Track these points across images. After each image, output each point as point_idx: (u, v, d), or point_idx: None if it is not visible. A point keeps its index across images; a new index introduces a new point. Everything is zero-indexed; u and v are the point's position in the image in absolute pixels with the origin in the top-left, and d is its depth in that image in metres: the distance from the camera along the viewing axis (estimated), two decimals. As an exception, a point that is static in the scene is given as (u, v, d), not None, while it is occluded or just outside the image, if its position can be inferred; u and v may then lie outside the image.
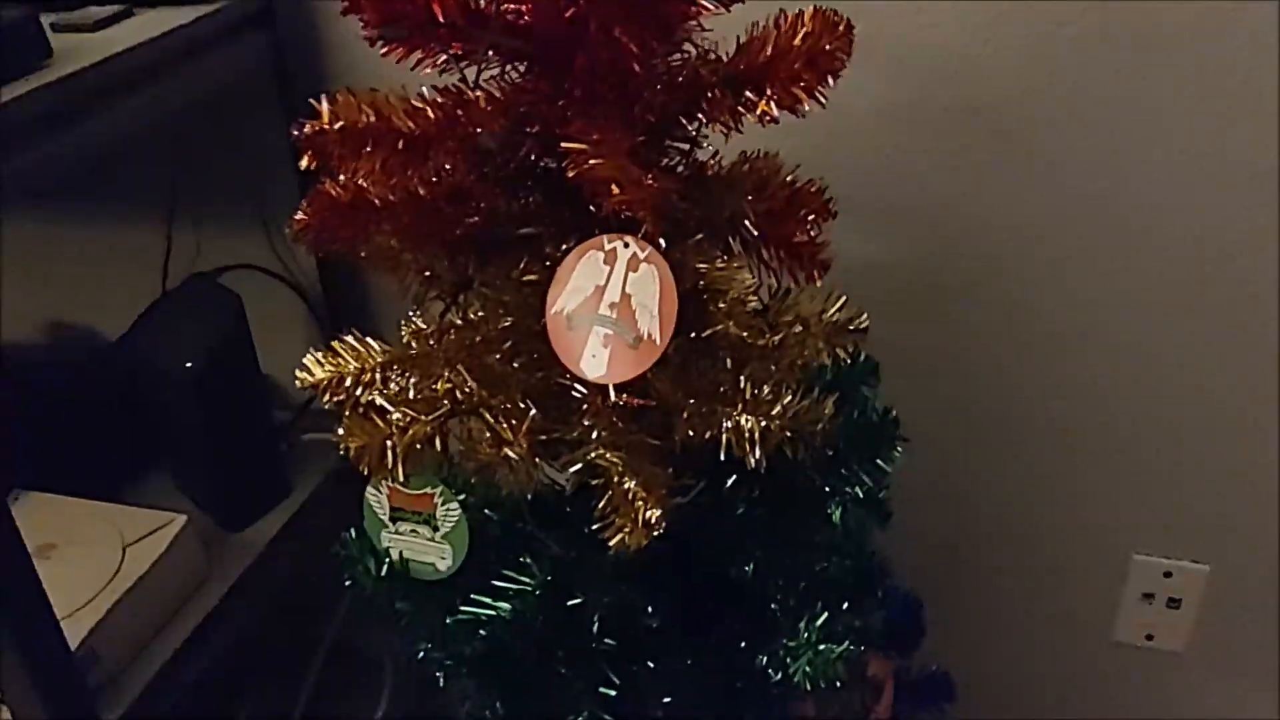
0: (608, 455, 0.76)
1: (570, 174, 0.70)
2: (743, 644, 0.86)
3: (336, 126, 0.73)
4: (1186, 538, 1.29)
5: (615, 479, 0.75)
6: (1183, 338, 1.19)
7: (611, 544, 0.75)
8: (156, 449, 1.35)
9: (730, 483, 0.87)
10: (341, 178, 0.77)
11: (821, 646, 0.83)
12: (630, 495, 0.73)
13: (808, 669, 0.83)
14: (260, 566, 1.27)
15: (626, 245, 0.70)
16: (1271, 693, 1.37)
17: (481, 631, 0.83)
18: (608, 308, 0.71)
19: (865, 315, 0.86)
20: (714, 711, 0.83)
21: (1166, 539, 1.30)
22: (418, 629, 0.87)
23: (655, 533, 0.73)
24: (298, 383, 0.85)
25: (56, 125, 0.96)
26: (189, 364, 1.20)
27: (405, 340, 0.86)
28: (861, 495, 0.93)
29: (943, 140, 1.14)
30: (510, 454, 0.78)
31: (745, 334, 0.72)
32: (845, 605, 0.84)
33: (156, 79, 1.06)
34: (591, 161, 0.69)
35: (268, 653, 1.40)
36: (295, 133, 0.75)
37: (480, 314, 0.84)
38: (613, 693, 0.81)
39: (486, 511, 0.89)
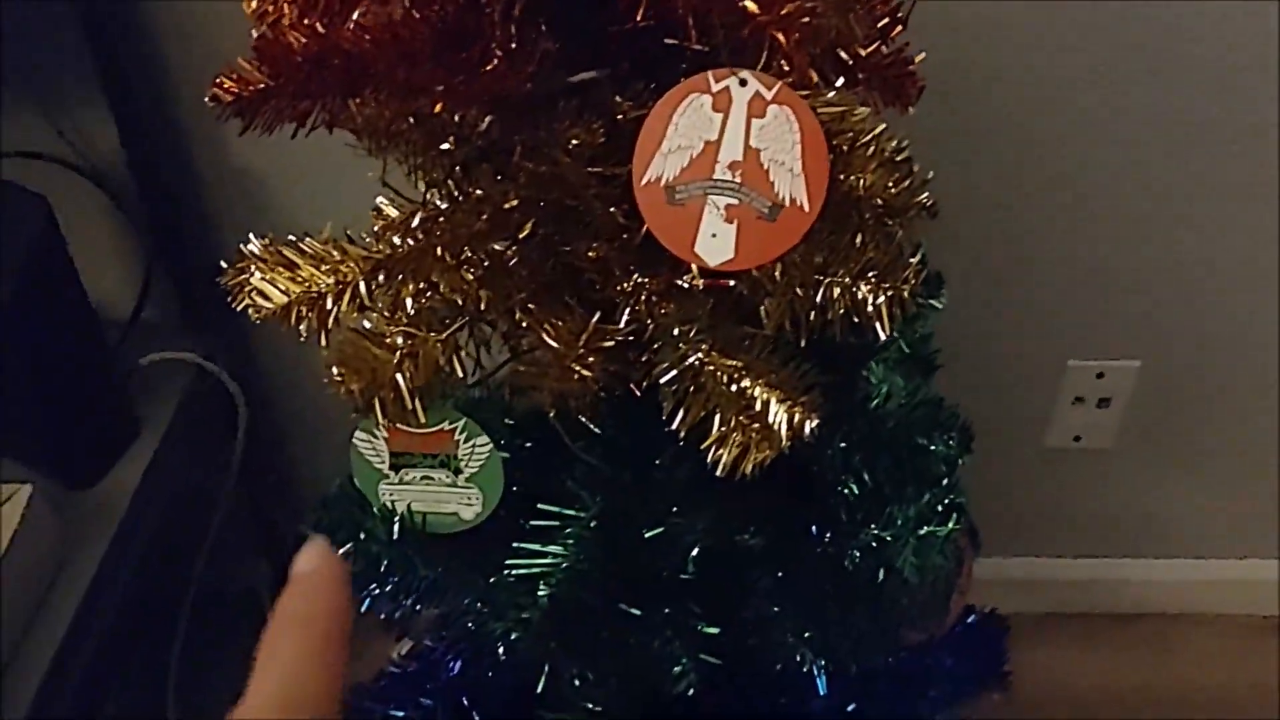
0: (713, 356, 0.60)
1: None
2: (827, 538, 0.74)
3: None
4: (1120, 338, 1.27)
5: (728, 385, 0.60)
6: (1118, 140, 1.13)
7: (723, 465, 0.61)
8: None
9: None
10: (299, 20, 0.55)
11: (923, 530, 0.72)
12: (761, 405, 0.58)
13: (913, 559, 0.72)
14: (128, 527, 1.04)
15: (744, 83, 0.53)
16: (1192, 480, 1.41)
17: (542, 586, 0.66)
18: (727, 169, 0.54)
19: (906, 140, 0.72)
20: (821, 630, 0.71)
21: (1101, 342, 1.28)
22: (456, 596, 0.70)
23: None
24: (251, 314, 0.64)
25: None
26: (-5, 291, 0.92)
27: (383, 235, 0.65)
28: (907, 350, 0.82)
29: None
30: (581, 370, 0.61)
31: (891, 186, 0.57)
32: (944, 481, 0.73)
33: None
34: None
35: (141, 610, 1.18)
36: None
37: (479, 192, 0.65)
38: (715, 630, 0.68)
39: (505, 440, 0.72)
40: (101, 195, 1.15)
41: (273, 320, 0.64)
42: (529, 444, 0.77)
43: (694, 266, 0.60)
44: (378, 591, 0.85)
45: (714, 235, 0.54)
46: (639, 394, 0.75)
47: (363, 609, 0.88)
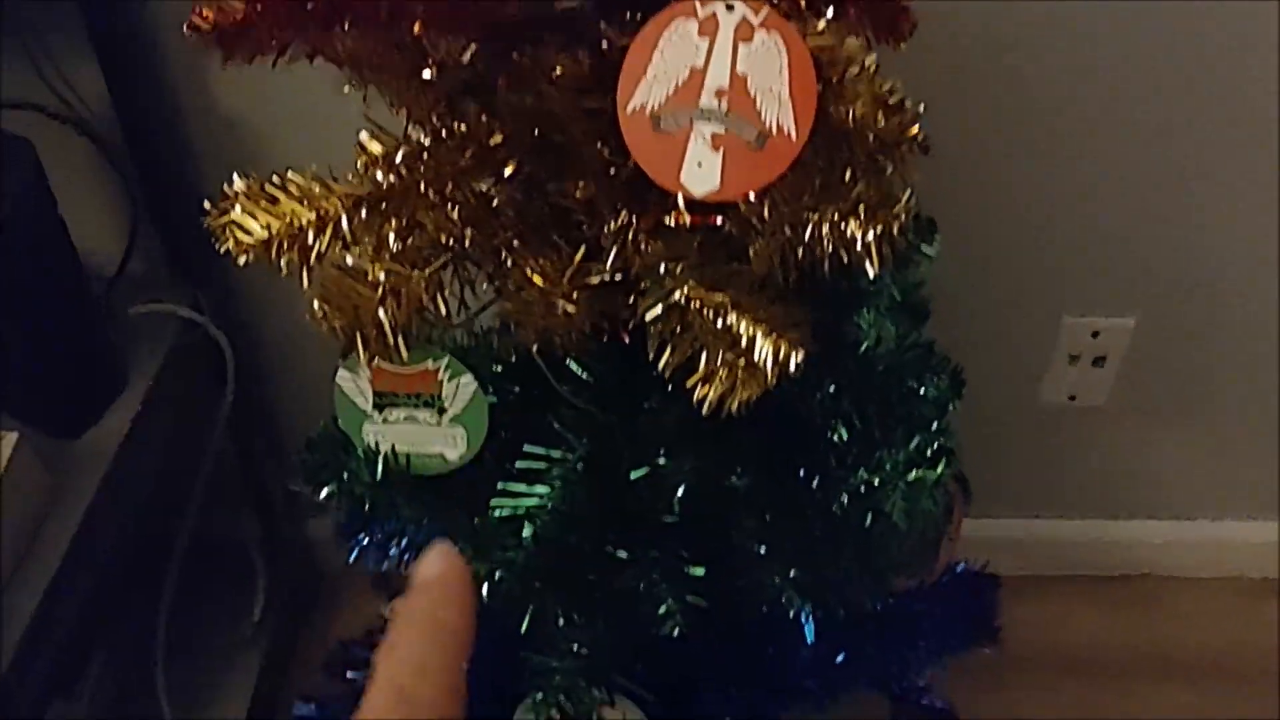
0: (699, 291, 0.59)
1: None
2: (815, 482, 0.74)
3: None
4: (1115, 295, 1.27)
5: (714, 320, 0.59)
6: (1117, 97, 1.11)
7: (708, 403, 0.60)
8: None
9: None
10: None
11: (913, 474, 0.72)
12: (748, 340, 0.57)
13: (903, 504, 0.72)
14: (116, 477, 1.03)
15: (731, 8, 0.52)
16: (1187, 441, 1.40)
17: (527, 526, 0.66)
18: (713, 96, 0.53)
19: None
20: (809, 572, 0.71)
21: (1097, 299, 1.27)
22: (442, 538, 0.69)
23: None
24: (230, 247, 0.63)
25: None
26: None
27: (366, 171, 0.64)
28: (899, 298, 0.81)
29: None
30: (566, 307, 0.60)
31: (882, 119, 0.56)
32: (934, 425, 0.72)
33: None
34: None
35: (129, 563, 1.18)
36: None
37: (464, 128, 0.64)
38: (701, 571, 0.67)
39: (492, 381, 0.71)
40: (88, 145, 1.13)
41: (254, 256, 0.63)
42: (517, 389, 0.76)
43: (681, 202, 0.59)
44: (366, 541, 0.84)
45: (700, 164, 0.53)
46: (627, 339, 0.75)
47: (351, 559, 0.88)
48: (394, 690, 0.27)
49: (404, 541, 0.83)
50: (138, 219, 1.17)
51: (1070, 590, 1.52)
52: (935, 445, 0.72)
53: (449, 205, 0.65)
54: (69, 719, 1.14)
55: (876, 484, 0.72)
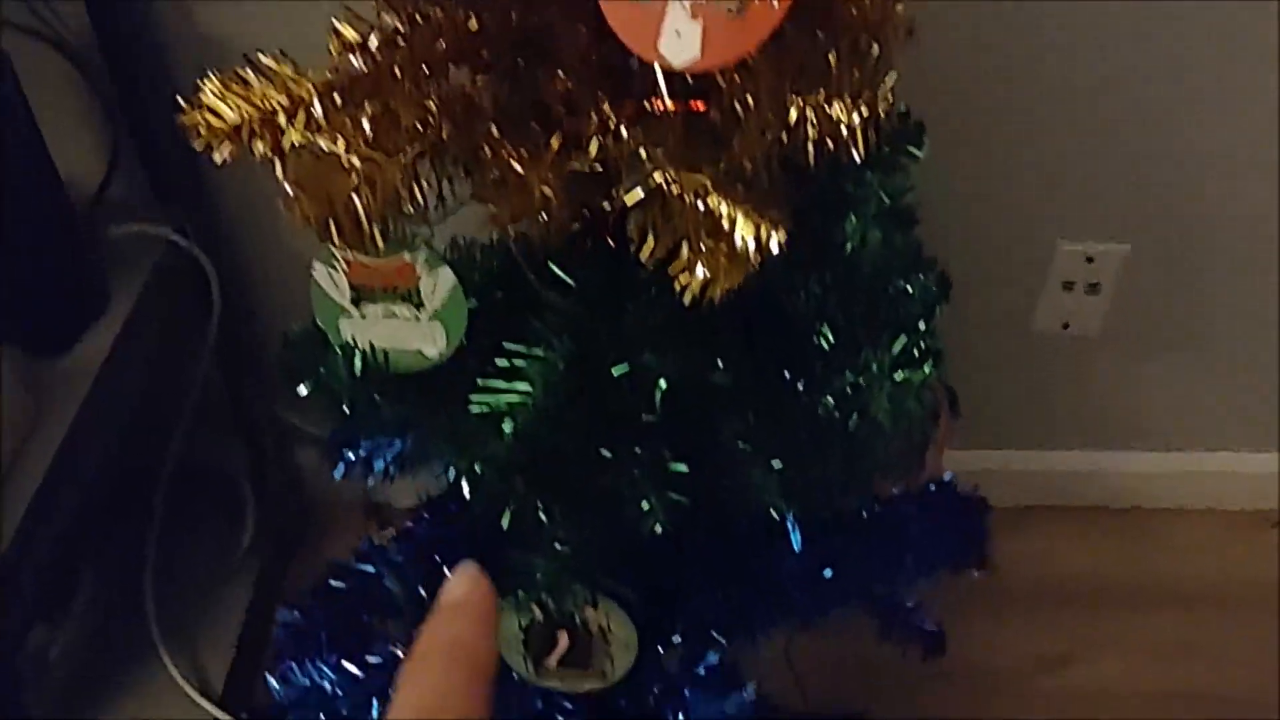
0: (680, 174, 0.58)
1: None
2: (801, 384, 0.73)
3: None
4: (1110, 221, 1.25)
5: (695, 202, 0.58)
6: (1113, 21, 1.10)
7: (689, 292, 0.59)
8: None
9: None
10: None
11: (898, 375, 0.71)
12: (728, 223, 0.56)
13: (887, 405, 0.71)
14: (99, 396, 1.02)
15: None
16: (1182, 371, 1.39)
17: (506, 424, 0.65)
18: (692, -37, 0.51)
19: None
20: (794, 468, 0.70)
21: (1091, 224, 1.25)
22: (420, 435, 0.69)
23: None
24: (197, 132, 0.61)
25: None
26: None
27: (340, 57, 0.63)
28: (887, 201, 0.80)
29: None
30: (544, 191, 0.59)
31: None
32: (922, 324, 0.71)
33: None
34: None
35: (113, 488, 1.17)
36: None
37: (439, 14, 0.63)
38: (683, 467, 0.67)
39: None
40: (68, 66, 1.11)
41: (228, 149, 0.62)
42: (500, 294, 0.75)
43: (661, 79, 0.58)
44: (352, 456, 0.84)
45: (679, 33, 0.52)
46: (611, 243, 0.73)
47: (338, 475, 0.87)
48: (417, 716, 0.27)
49: (390, 455, 0.82)
50: (119, 141, 1.16)
51: (1063, 521, 1.51)
52: (921, 346, 0.71)
53: (425, 94, 0.63)
54: (57, 643, 1.14)
55: (862, 385, 0.71)
